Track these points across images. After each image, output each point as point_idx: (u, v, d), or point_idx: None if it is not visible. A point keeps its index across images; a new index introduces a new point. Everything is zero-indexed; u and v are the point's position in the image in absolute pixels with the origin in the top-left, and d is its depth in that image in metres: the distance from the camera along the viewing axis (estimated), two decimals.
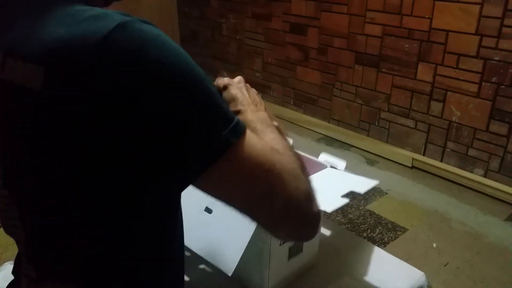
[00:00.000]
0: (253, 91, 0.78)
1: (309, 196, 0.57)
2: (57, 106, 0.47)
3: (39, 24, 0.50)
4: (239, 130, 0.51)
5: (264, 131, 0.65)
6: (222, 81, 0.75)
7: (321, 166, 0.98)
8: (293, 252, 0.89)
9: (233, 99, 0.72)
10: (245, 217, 0.56)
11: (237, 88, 0.74)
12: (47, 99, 0.47)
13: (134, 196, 0.54)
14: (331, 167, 0.97)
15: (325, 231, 1.11)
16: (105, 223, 0.55)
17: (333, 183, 0.93)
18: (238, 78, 0.76)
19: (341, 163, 0.97)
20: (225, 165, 0.50)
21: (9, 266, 1.10)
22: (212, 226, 0.87)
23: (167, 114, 0.46)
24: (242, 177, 0.52)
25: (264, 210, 0.55)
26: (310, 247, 0.93)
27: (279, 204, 0.54)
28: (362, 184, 0.92)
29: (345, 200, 0.83)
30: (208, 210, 0.87)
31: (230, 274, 0.78)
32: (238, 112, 0.70)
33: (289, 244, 0.86)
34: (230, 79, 0.75)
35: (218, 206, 0.85)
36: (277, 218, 0.56)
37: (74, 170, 0.50)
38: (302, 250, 0.90)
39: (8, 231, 0.67)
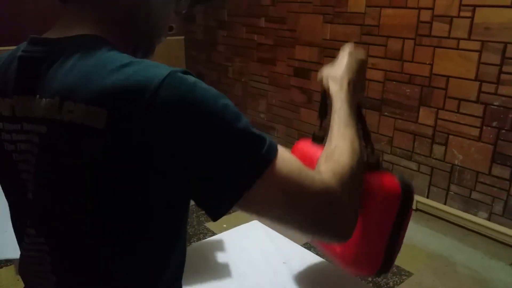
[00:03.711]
0: (365, 72, 0.86)
1: (348, 203, 0.63)
2: (119, 141, 0.53)
3: (90, 69, 0.56)
4: (274, 147, 0.58)
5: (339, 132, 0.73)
6: (350, 47, 0.85)
7: None
8: None
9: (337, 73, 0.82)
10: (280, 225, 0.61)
11: (355, 62, 0.82)
12: (110, 136, 0.53)
13: (169, 221, 0.63)
14: None
15: (329, 276, 1.12)
16: (138, 249, 0.62)
17: None
18: (349, 46, 0.85)
19: None
20: (267, 181, 0.56)
21: None
22: None
23: (215, 142, 0.55)
24: (282, 190, 0.58)
25: (300, 215, 0.60)
26: None
27: (317, 208, 0.60)
28: None
29: None
30: None
31: None
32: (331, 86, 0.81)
33: None
34: (356, 52, 0.85)
35: None
36: (314, 220, 0.61)
37: (127, 198, 0.57)
38: None
39: (29, 270, 0.70)
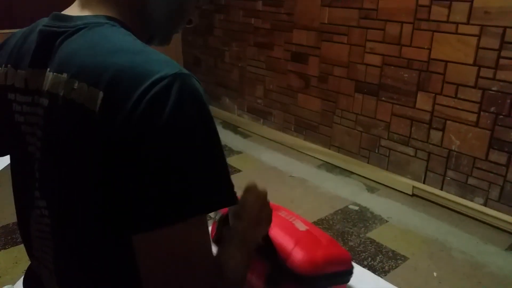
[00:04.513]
0: (269, 211, 0.84)
1: None
2: (107, 127, 0.52)
3: (101, 51, 0.56)
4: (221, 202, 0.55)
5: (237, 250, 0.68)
6: (252, 186, 0.84)
7: None
8: None
9: (244, 206, 0.79)
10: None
11: (257, 201, 0.81)
12: (101, 120, 0.52)
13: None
14: None
15: None
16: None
17: None
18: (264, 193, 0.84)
19: None
20: (182, 229, 0.52)
21: None
22: None
23: (187, 161, 0.52)
24: (181, 254, 0.53)
25: None
26: None
27: None
28: None
29: None
30: None
31: None
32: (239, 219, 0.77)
33: None
34: (258, 191, 0.83)
35: None
36: None
37: (99, 183, 0.55)
38: None
39: (32, 245, 0.70)
